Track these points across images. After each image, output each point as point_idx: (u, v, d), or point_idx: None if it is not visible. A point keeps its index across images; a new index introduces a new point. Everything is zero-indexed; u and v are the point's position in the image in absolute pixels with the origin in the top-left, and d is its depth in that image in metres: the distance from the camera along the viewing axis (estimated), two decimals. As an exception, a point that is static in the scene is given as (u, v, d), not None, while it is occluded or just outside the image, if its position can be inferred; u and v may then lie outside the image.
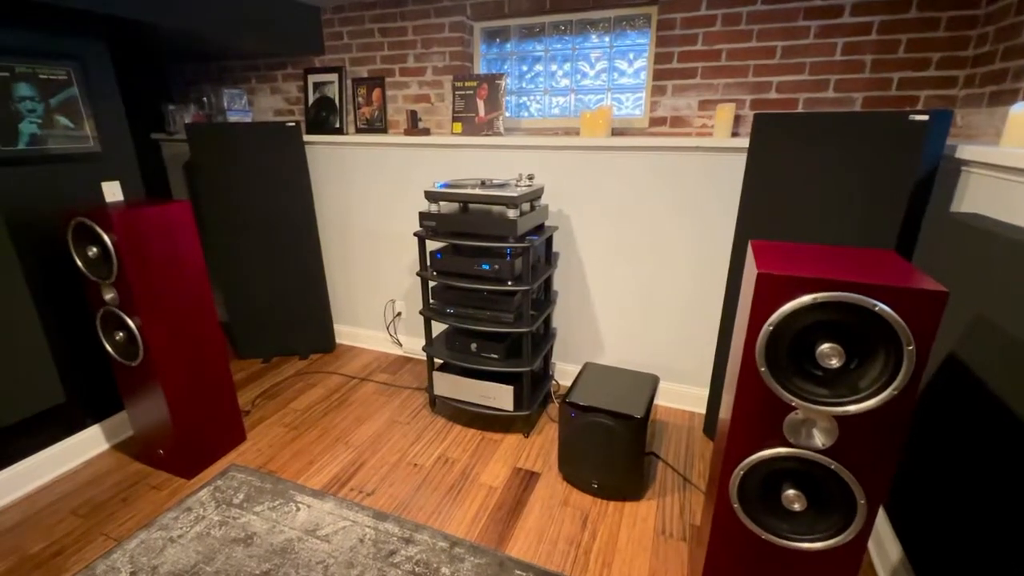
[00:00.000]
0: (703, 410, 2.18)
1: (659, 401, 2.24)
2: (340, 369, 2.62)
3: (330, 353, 2.80)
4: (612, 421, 1.61)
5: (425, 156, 2.37)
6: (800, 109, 1.85)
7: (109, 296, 1.60)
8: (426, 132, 2.36)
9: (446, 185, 1.83)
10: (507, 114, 2.27)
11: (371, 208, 2.59)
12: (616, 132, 2.13)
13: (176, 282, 1.69)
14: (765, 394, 0.93)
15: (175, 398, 1.73)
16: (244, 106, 2.73)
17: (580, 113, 2.05)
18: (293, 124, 2.40)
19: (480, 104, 2.22)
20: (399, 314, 2.72)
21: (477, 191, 1.74)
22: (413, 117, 2.35)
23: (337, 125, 2.58)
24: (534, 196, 1.88)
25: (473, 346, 1.98)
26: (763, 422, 0.96)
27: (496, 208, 1.84)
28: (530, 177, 1.89)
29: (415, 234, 1.91)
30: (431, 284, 1.98)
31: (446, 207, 1.93)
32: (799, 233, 1.57)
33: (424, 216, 1.85)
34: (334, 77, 2.55)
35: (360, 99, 2.52)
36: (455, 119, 2.28)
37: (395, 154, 2.43)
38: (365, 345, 2.87)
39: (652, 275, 2.12)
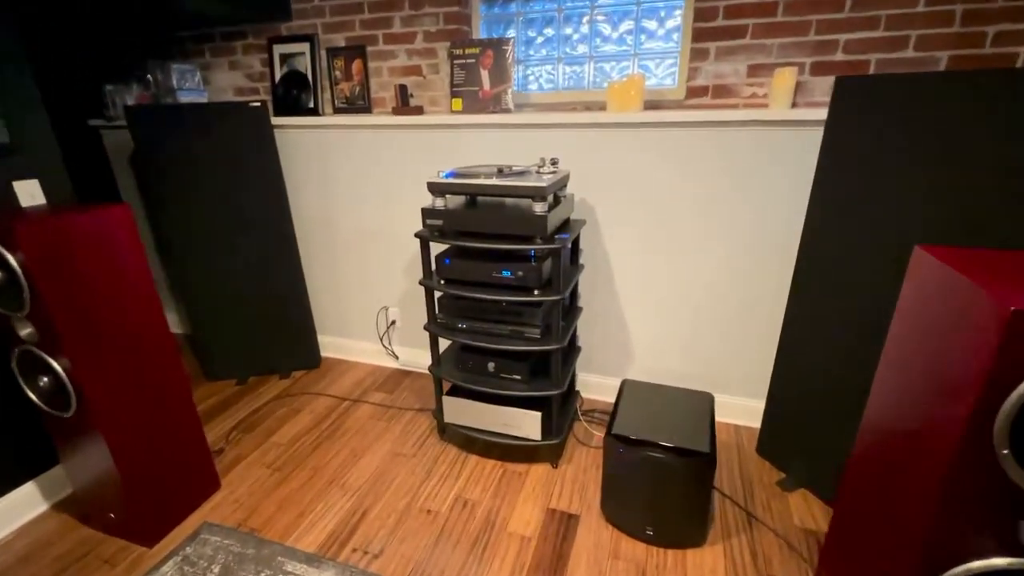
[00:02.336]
0: (752, 423, 1.92)
1: (699, 414, 1.98)
2: (328, 389, 2.28)
3: (315, 370, 2.45)
4: (672, 458, 1.33)
5: (419, 139, 2.01)
6: (872, 71, 1.55)
7: (25, 332, 1.23)
8: (419, 111, 2.00)
9: (453, 175, 1.49)
10: (515, 87, 1.92)
11: (356, 202, 2.22)
12: (647, 106, 1.80)
13: (117, 307, 1.32)
14: (994, 483, 0.65)
15: (123, 451, 1.38)
16: (197, 84, 2.31)
17: (607, 84, 1.72)
18: (257, 104, 2.00)
19: (484, 75, 1.87)
20: (393, 323, 2.38)
21: (495, 181, 1.41)
22: (402, 93, 1.98)
23: (311, 105, 2.19)
24: (561, 185, 1.56)
25: (490, 365, 1.66)
26: (981, 520, 0.68)
27: (520, 202, 1.51)
28: (554, 162, 1.56)
29: (417, 235, 1.57)
30: (437, 294, 1.64)
31: (453, 201, 1.59)
32: (897, 228, 1.28)
33: (428, 213, 1.51)
34: (305, 47, 2.15)
35: (337, 73, 2.13)
36: (454, 94, 1.92)
37: (382, 138, 2.06)
38: (355, 358, 2.52)
39: (692, 272, 1.83)
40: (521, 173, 1.49)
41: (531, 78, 2.05)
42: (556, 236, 1.46)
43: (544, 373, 1.67)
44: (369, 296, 2.38)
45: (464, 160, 1.97)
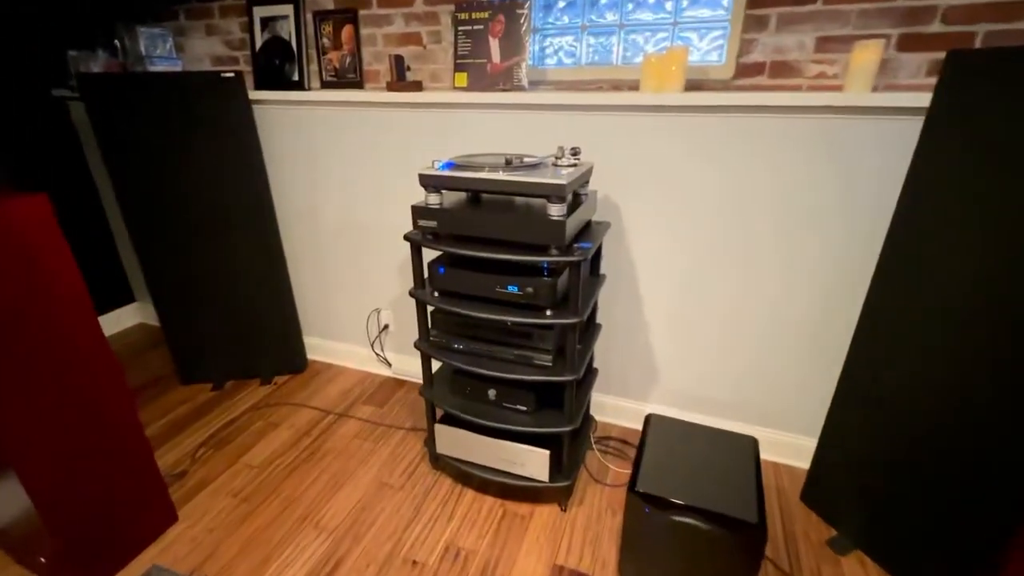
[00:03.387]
0: (795, 462, 1.66)
1: (732, 448, 1.71)
2: (312, 399, 2.05)
3: (300, 375, 2.22)
4: (712, 527, 1.07)
5: (416, 120, 1.73)
6: (978, 45, 1.24)
7: (-87, 352, 0.99)
8: (417, 86, 1.71)
9: (451, 166, 1.21)
10: (529, 62, 1.62)
11: (346, 191, 1.95)
12: (688, 86, 1.50)
13: (32, 316, 1.08)
14: None
15: (43, 487, 1.15)
16: (169, 51, 2.04)
17: (642, 58, 1.42)
18: (231, 75, 1.73)
19: (494, 46, 1.57)
20: (386, 327, 2.13)
21: (503, 176, 1.13)
22: (398, 65, 1.69)
23: (296, 77, 1.91)
24: (583, 181, 1.28)
25: (491, 393, 1.41)
26: None
27: (532, 202, 1.23)
28: (575, 152, 1.28)
29: (407, 238, 1.30)
30: (430, 308, 1.38)
31: (450, 198, 1.31)
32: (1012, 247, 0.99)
33: (419, 212, 1.24)
34: (288, 10, 1.86)
35: (325, 40, 1.84)
36: (458, 68, 1.63)
37: (375, 118, 1.79)
38: (344, 363, 2.29)
39: (734, 286, 1.54)
40: (534, 166, 1.21)
41: (548, 51, 1.75)
42: (575, 245, 1.19)
43: (555, 404, 1.41)
44: (360, 296, 2.13)
45: (467, 146, 1.69)
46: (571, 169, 1.19)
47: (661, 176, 1.50)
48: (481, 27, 1.57)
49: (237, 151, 1.83)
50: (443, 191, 1.25)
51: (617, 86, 1.59)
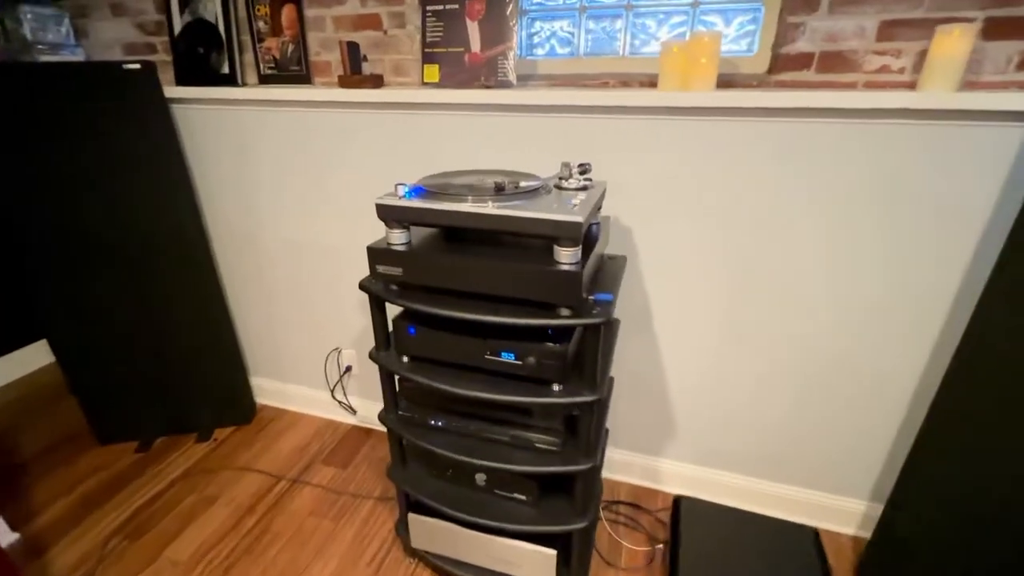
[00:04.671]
0: (845, 528, 1.40)
1: (769, 510, 1.45)
2: (259, 460, 1.70)
3: (246, 426, 1.86)
4: None
5: (377, 124, 1.39)
6: (1088, 36, 0.99)
7: None
8: (376, 81, 1.37)
9: (420, 192, 0.89)
10: (518, 54, 1.30)
11: (294, 209, 1.60)
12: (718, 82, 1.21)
13: None
14: None
15: None
16: (66, 36, 1.63)
17: (662, 47, 1.12)
18: (135, 66, 1.36)
19: (473, 30, 1.25)
20: (349, 368, 1.79)
21: (493, 209, 0.81)
22: (352, 54, 1.35)
23: (226, 70, 1.55)
24: (597, 209, 0.97)
25: (480, 477, 1.10)
26: None
27: (532, 241, 0.92)
28: (584, 170, 0.97)
29: (364, 288, 0.97)
30: (398, 375, 1.05)
31: (422, 231, 0.99)
32: None
33: (378, 256, 0.91)
34: (213, -15, 1.49)
35: (261, 24, 1.48)
36: (427, 59, 1.30)
37: (326, 120, 1.44)
38: (301, 408, 1.94)
39: (776, 326, 1.27)
40: (533, 191, 0.89)
41: (537, 38, 1.44)
42: (592, 298, 0.88)
43: (562, 488, 1.11)
44: (316, 333, 1.78)
45: (440, 157, 1.36)
46: (582, 195, 0.88)
47: (683, 194, 1.21)
48: (456, 7, 1.24)
49: (152, 162, 1.46)
50: (411, 225, 0.93)
51: (626, 82, 1.29)
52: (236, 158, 1.58)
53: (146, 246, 1.54)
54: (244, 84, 1.57)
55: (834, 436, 1.33)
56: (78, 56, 1.66)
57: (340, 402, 1.83)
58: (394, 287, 0.93)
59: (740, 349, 1.32)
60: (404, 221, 0.89)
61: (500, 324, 0.84)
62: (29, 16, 1.55)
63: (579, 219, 0.77)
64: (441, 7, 1.25)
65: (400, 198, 0.88)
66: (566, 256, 0.81)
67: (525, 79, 1.36)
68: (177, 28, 1.55)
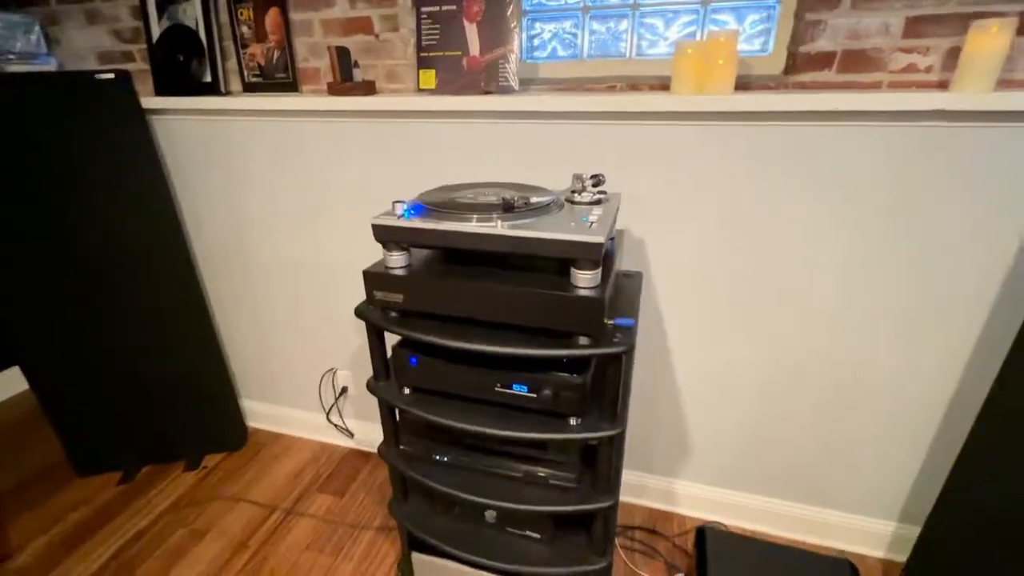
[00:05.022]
0: (865, 550, 1.33)
1: (792, 532, 1.38)
2: (252, 489, 1.60)
3: (238, 452, 1.77)
4: None
5: (370, 133, 1.31)
6: None
7: None
8: (368, 88, 1.30)
9: (420, 211, 0.81)
10: (520, 57, 1.22)
11: (283, 223, 1.52)
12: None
13: None
14: None
15: None
16: (37, 45, 1.54)
17: (676, 48, 1.05)
18: (108, 76, 1.27)
19: (471, 33, 1.17)
20: (345, 390, 1.70)
21: (503, 230, 0.73)
22: (342, 60, 1.27)
23: (208, 78, 1.46)
24: (613, 223, 0.89)
25: (490, 514, 1.02)
26: None
27: (544, 261, 0.84)
28: (597, 182, 0.89)
29: (360, 315, 0.88)
30: (399, 407, 0.97)
31: (422, 253, 0.91)
32: None
33: (376, 282, 0.83)
34: (192, -12, 1.40)
35: (245, 29, 1.40)
36: (423, 63, 1.23)
37: (314, 130, 1.36)
38: (295, 432, 1.85)
39: (799, 340, 1.20)
40: (544, 207, 0.82)
41: (538, 40, 1.36)
42: (612, 323, 0.80)
43: (579, 526, 1.03)
44: (310, 353, 1.69)
45: (439, 168, 1.28)
46: (598, 211, 0.81)
47: (699, 203, 1.14)
48: (453, 8, 1.17)
49: (129, 177, 1.37)
50: (411, 247, 0.84)
51: (635, 85, 1.22)
52: (221, 171, 1.50)
53: (124, 264, 1.45)
54: (228, 93, 1.49)
55: (859, 454, 1.26)
56: (49, 65, 1.56)
57: (336, 425, 1.74)
58: (394, 315, 0.85)
59: (760, 365, 1.25)
60: (403, 242, 0.81)
61: (512, 355, 0.76)
62: (-3, 24, 1.46)
63: (600, 239, 0.69)
64: (437, 8, 1.18)
65: (399, 217, 0.80)
66: (585, 280, 0.73)
67: (527, 84, 1.29)
68: (155, 35, 1.46)
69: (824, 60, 1.07)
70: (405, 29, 1.28)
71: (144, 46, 1.52)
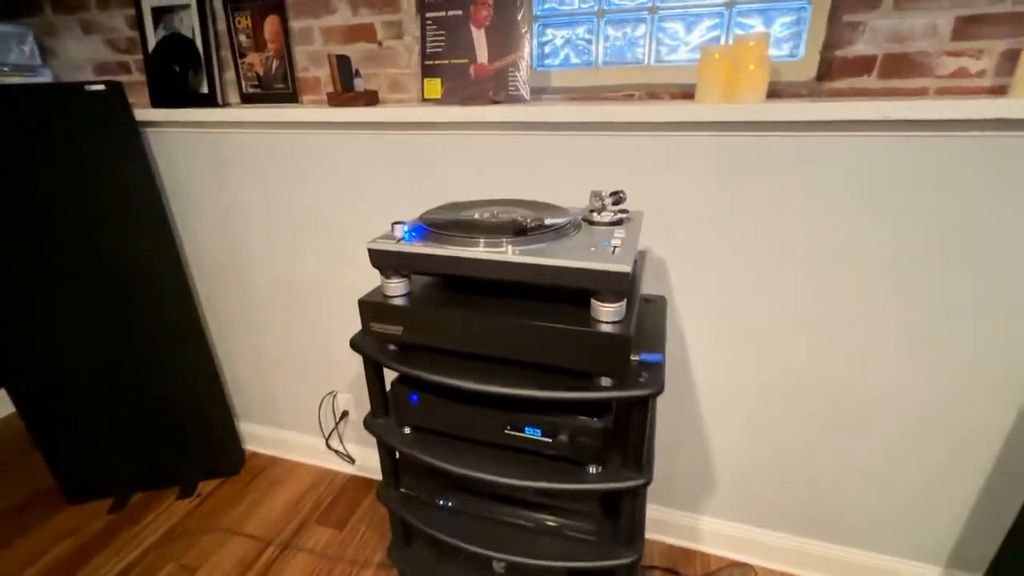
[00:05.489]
0: (908, 600, 1.22)
1: (821, 579, 1.27)
2: (247, 520, 1.52)
3: (235, 478, 1.69)
4: None
5: (372, 147, 1.24)
6: None
7: None
8: (370, 99, 1.22)
9: (422, 233, 0.73)
10: (530, 64, 1.14)
11: (282, 241, 1.44)
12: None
13: None
14: None
15: None
16: (31, 56, 1.49)
17: (701, 53, 0.97)
18: (99, 88, 1.21)
19: (479, 39, 1.10)
20: (346, 414, 1.62)
21: (514, 256, 0.65)
22: (343, 69, 1.20)
23: (205, 89, 1.40)
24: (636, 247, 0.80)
25: (499, 566, 0.92)
26: None
27: (562, 292, 0.75)
28: (617, 200, 0.81)
29: (356, 347, 0.80)
30: (400, 447, 0.88)
31: (424, 279, 0.83)
32: None
33: (373, 311, 0.75)
34: (189, -4, 1.35)
35: (243, 38, 1.34)
36: (428, 72, 1.15)
37: (314, 143, 1.29)
38: (294, 456, 1.76)
39: (838, 367, 1.10)
40: (560, 228, 0.73)
41: (549, 47, 1.28)
42: (638, 359, 0.71)
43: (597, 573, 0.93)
44: (309, 375, 1.61)
45: (445, 183, 1.20)
46: (621, 233, 0.72)
47: (725, 221, 1.05)
48: (459, 13, 1.09)
49: (122, 192, 1.31)
50: (412, 274, 0.76)
51: (654, 94, 1.14)
52: (217, 186, 1.43)
53: (116, 282, 1.38)
54: (226, 104, 1.43)
55: (903, 494, 1.15)
56: (44, 77, 1.52)
57: (337, 451, 1.66)
58: (393, 348, 0.77)
59: (796, 393, 1.15)
60: (403, 269, 0.73)
61: (525, 398, 0.67)
62: (-11, 35, 1.42)
63: (626, 268, 0.60)
64: (442, 14, 1.11)
65: (398, 241, 0.71)
66: (608, 313, 0.64)
67: (538, 92, 1.21)
68: (152, 45, 1.41)
69: (863, 65, 0.99)
70: (409, 36, 1.21)
71: (140, 56, 1.47)
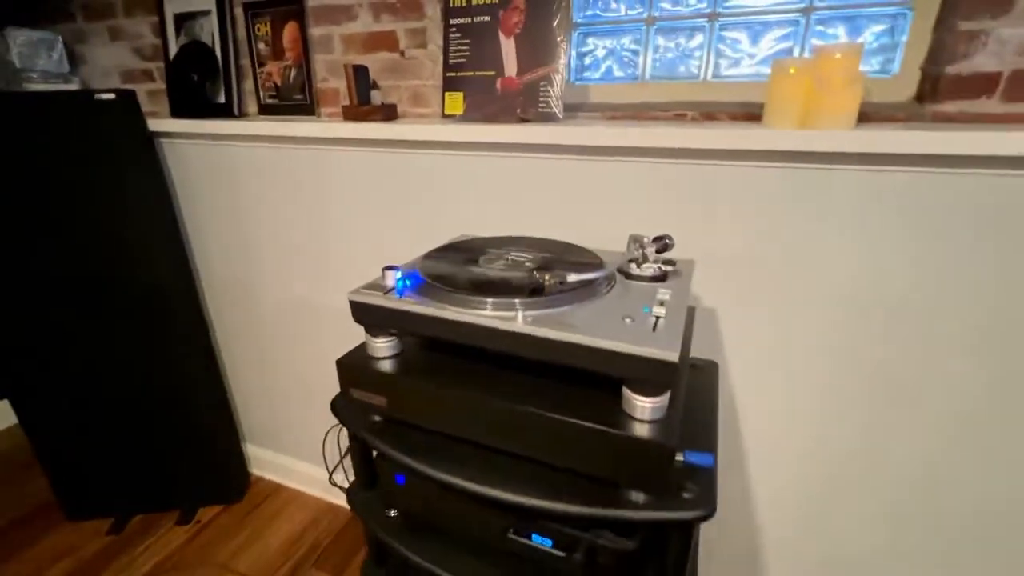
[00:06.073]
0: None
1: None
2: (242, 556, 1.42)
3: (235, 505, 1.60)
4: None
5: (393, 167, 1.12)
6: None
7: None
8: (388, 113, 1.11)
9: (418, 283, 0.59)
10: (566, 78, 1.00)
11: (293, 262, 1.35)
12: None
13: None
14: None
15: None
16: (59, 62, 1.47)
17: (774, 67, 0.79)
18: (109, 96, 1.15)
19: (508, 49, 0.96)
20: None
21: (524, 326, 0.50)
22: (360, 81, 1.09)
23: (222, 99, 1.33)
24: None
25: (497, 677, 0.76)
26: None
27: (589, 372, 0.60)
28: (662, 247, 0.64)
29: (334, 411, 0.67)
30: (379, 536, 0.74)
31: (415, 343, 0.69)
32: None
33: (351, 375, 0.61)
34: (210, 2, 1.28)
35: (262, 46, 1.26)
36: (450, 85, 1.03)
37: (332, 161, 1.19)
38: (297, 486, 1.66)
39: (923, 461, 0.89)
40: (589, 283, 0.58)
41: (589, 58, 1.14)
42: (682, 460, 0.55)
43: None
44: (316, 404, 1.51)
45: (463, 209, 1.07)
46: (666, 295, 0.56)
47: (794, 270, 0.86)
48: (486, 19, 0.96)
49: (132, 205, 1.25)
50: (405, 334, 0.63)
51: (710, 115, 0.97)
52: (231, 202, 1.35)
53: (125, 297, 1.32)
54: (244, 115, 1.35)
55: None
56: (72, 84, 1.49)
57: (340, 487, 1.54)
58: (376, 420, 0.63)
59: (868, 483, 0.94)
60: (388, 325, 0.59)
61: (529, 508, 0.52)
62: (19, 40, 1.40)
63: (671, 356, 0.45)
64: (468, 20, 0.98)
65: (387, 292, 0.58)
66: (644, 410, 0.49)
67: (573, 110, 1.06)
68: (172, 52, 1.35)
69: (982, 84, 0.79)
70: (434, 45, 1.09)
71: (163, 64, 1.42)
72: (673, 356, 0.45)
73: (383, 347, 0.60)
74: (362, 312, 0.58)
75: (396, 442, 0.60)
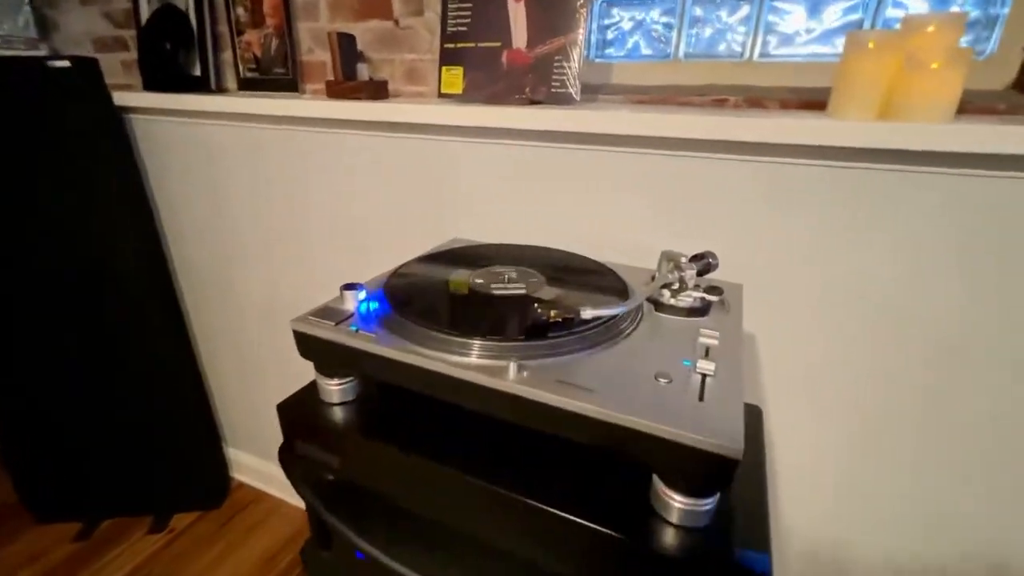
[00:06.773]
0: None
1: None
2: (217, 570, 1.31)
3: (213, 512, 1.49)
4: None
5: (382, 152, 0.98)
6: None
7: None
8: (378, 90, 0.96)
9: (383, 314, 0.45)
10: (585, 53, 0.83)
11: (272, 252, 1.22)
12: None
13: None
14: None
15: None
16: (25, 28, 1.33)
17: (848, 40, 0.63)
18: (65, 64, 1.01)
19: (517, 16, 0.81)
20: (336, 460, 1.38)
21: (520, 383, 0.36)
22: (346, 53, 0.94)
23: (198, 71, 1.18)
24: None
25: None
26: None
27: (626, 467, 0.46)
28: (704, 268, 0.49)
29: (281, 460, 0.54)
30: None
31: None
32: None
33: (294, 422, 0.48)
34: (184, -39, 1.13)
35: (240, 15, 1.11)
36: (447, 58, 0.87)
37: (315, 143, 1.04)
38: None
39: (999, 511, 0.74)
40: (606, 325, 0.43)
41: (613, 31, 0.97)
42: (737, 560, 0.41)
43: None
44: (298, 410, 1.38)
45: (455, 211, 0.92)
46: (712, 336, 0.41)
47: (859, 292, 0.71)
48: (493, -20, 0.81)
49: (97, 186, 1.12)
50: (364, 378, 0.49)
51: (756, 100, 0.81)
52: (207, 186, 1.22)
53: (93, 286, 1.20)
54: (222, 89, 1.21)
55: None
56: (40, 51, 1.35)
57: (323, 501, 1.43)
58: (329, 479, 0.50)
59: (940, 535, 0.79)
60: (348, 370, 0.45)
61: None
62: (-20, 3, 1.26)
63: (732, 448, 0.30)
64: (471, -18, 0.82)
65: (339, 324, 0.44)
66: (684, 514, 0.34)
67: (593, 92, 0.91)
68: (143, 19, 1.21)
69: (1110, 69, 0.62)
70: (432, 13, 0.94)
71: (135, 32, 1.28)
72: (734, 447, 0.30)
73: (336, 391, 0.47)
74: (307, 346, 0.45)
75: (351, 512, 0.46)
